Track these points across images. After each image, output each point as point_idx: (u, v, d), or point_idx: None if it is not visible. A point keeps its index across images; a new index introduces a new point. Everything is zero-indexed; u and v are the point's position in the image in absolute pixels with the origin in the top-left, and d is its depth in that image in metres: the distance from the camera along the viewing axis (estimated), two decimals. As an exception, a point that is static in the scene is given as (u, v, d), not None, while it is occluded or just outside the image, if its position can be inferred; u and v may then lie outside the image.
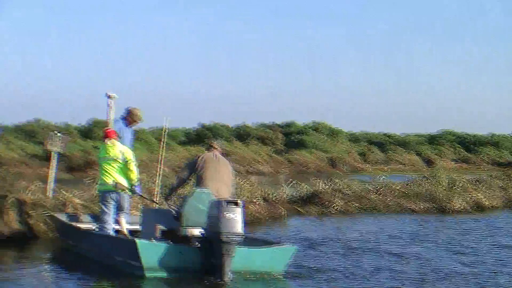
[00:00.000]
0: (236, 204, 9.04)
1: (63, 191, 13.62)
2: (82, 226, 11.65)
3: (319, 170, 39.27)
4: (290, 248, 10.15)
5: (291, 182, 20.97)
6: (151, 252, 9.17)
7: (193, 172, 10.44)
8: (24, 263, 10.69)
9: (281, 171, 37.78)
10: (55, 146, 13.84)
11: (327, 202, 19.26)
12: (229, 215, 8.86)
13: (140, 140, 36.15)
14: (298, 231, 15.87)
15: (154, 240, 9.56)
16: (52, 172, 13.77)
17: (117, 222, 10.96)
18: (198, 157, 10.60)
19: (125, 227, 11.01)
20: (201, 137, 45.99)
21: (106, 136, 11.08)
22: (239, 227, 9.00)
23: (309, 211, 18.93)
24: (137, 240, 9.25)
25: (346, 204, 19.47)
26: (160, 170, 13.90)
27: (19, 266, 10.41)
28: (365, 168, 41.89)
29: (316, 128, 50.79)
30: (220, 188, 10.09)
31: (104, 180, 10.78)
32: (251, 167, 37.12)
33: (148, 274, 9.21)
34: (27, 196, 12.62)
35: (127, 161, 10.83)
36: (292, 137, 47.54)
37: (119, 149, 10.86)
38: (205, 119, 53.76)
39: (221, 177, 10.26)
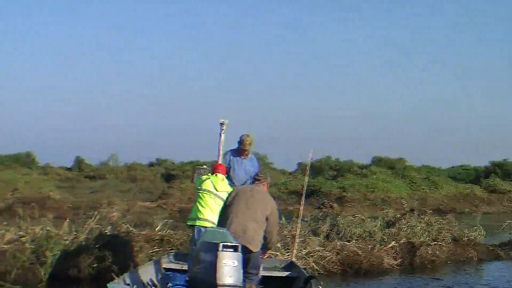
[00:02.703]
0: (235, 248, 7.06)
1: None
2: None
3: None
4: None
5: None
6: None
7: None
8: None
9: None
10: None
11: (540, 247, 16.17)
12: (227, 262, 6.92)
13: (401, 177, 34.67)
14: (482, 278, 13.51)
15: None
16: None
17: None
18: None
19: None
20: (489, 175, 42.32)
21: (215, 170, 9.81)
22: (237, 277, 7.04)
23: (512, 256, 16.04)
24: (109, 285, 7.50)
25: None
26: (301, 210, 12.44)
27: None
28: None
29: None
30: (248, 226, 8.00)
31: (203, 214, 9.28)
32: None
33: None
34: (154, 231, 12.57)
35: None
36: None
37: (226, 189, 9.30)
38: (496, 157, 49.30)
39: (252, 214, 8.09)
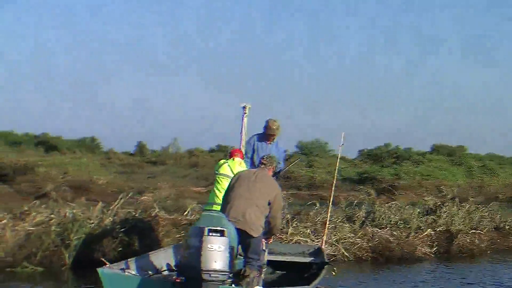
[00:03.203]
0: (221, 233, 6.74)
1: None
2: None
3: None
4: None
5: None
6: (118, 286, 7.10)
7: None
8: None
9: None
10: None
11: None
12: (213, 246, 6.66)
13: (459, 164, 33.66)
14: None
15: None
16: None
17: None
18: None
19: None
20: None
21: (231, 155, 9.80)
22: (223, 262, 6.70)
23: None
24: (99, 270, 7.16)
25: None
26: (331, 196, 12.15)
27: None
28: None
29: None
30: (247, 210, 7.55)
31: (220, 199, 8.92)
32: None
33: None
34: (183, 216, 12.54)
35: None
36: None
37: None
38: None
39: (253, 198, 7.63)
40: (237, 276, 7.46)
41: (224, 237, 6.75)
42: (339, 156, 12.89)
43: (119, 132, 66.53)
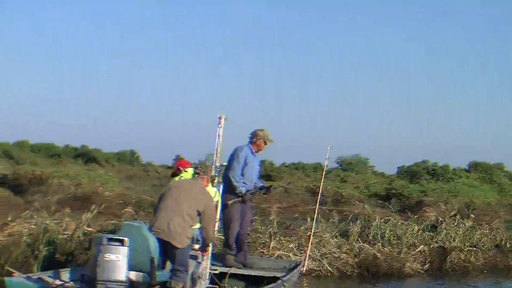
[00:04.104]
0: (121, 242, 6.52)
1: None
2: None
3: None
4: None
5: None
6: None
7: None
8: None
9: None
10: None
11: None
12: (110, 256, 6.46)
13: (492, 182, 32.36)
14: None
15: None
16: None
17: None
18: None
19: None
20: None
21: (184, 167, 9.29)
22: (120, 273, 6.47)
23: None
24: (5, 279, 7.01)
25: None
26: (316, 212, 11.74)
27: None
28: None
29: None
30: (172, 221, 7.18)
31: None
32: None
33: None
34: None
35: None
36: None
37: None
38: None
39: (179, 208, 7.27)
40: (164, 288, 7.20)
41: (124, 247, 6.55)
42: (324, 169, 12.43)
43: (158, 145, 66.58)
